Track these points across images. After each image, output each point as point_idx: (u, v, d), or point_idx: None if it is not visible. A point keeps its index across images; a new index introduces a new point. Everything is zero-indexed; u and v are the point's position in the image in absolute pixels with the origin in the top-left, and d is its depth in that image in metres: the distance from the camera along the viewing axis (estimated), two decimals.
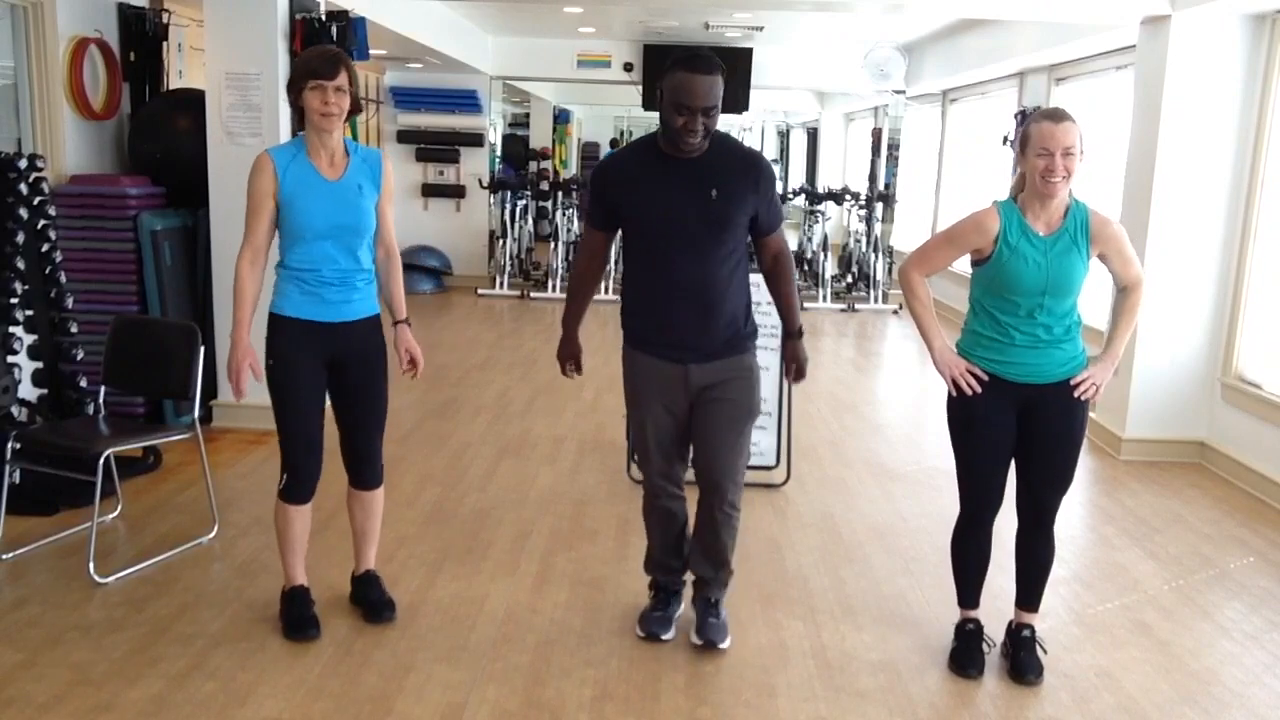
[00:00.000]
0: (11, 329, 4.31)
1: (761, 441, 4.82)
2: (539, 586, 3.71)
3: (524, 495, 4.68)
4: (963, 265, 3.11)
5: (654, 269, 3.05)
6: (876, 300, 10.92)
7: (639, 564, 3.54)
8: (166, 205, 5.44)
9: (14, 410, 4.25)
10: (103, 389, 4.06)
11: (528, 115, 17.18)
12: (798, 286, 3.36)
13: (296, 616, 3.26)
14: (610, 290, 9.84)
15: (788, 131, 22.48)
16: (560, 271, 11.05)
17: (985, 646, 3.25)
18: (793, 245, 4.17)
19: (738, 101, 11.28)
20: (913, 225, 11.98)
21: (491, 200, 11.59)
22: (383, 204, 3.22)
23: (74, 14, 5.24)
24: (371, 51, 6.65)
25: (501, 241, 11.22)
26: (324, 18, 5.37)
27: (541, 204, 12.85)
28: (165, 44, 5.84)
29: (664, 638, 3.31)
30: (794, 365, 3.28)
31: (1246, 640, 3.51)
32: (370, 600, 3.41)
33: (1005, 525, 3.22)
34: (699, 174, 2.98)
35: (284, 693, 2.93)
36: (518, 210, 11.76)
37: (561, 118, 18.70)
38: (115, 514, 4.22)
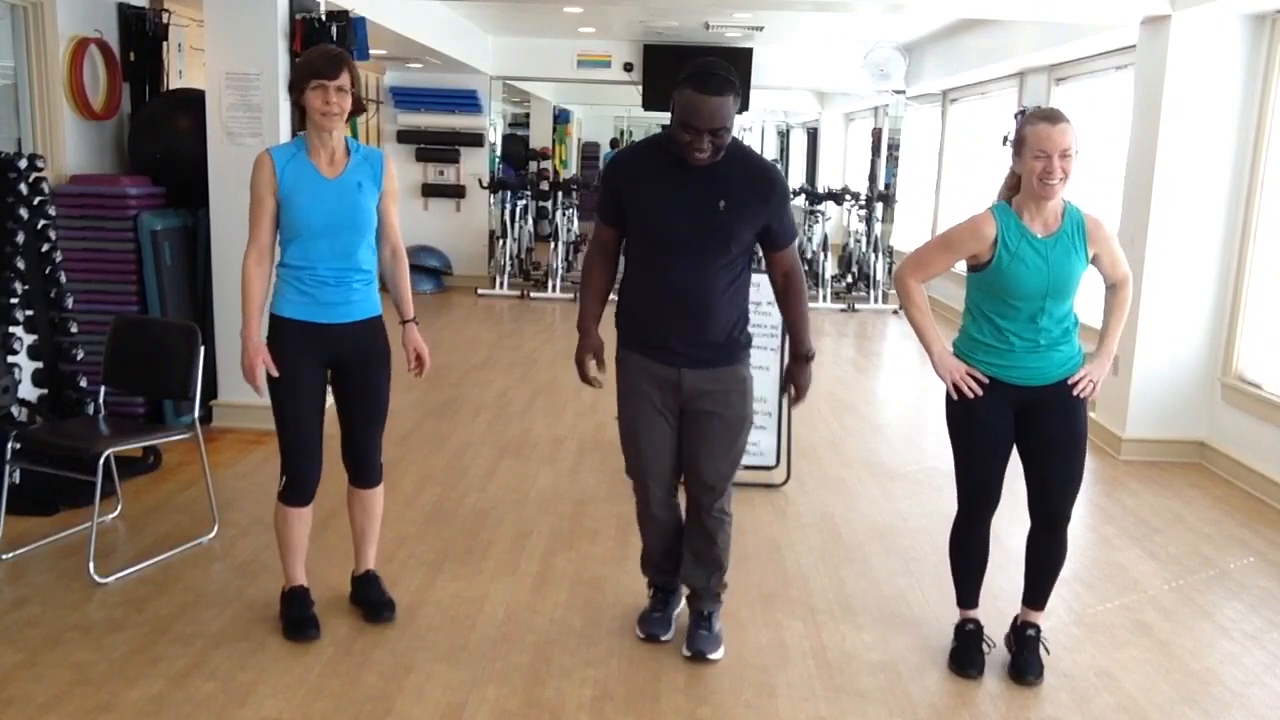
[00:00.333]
0: (11, 329, 4.31)
1: (761, 441, 4.82)
2: (539, 586, 3.71)
3: (524, 495, 4.68)
4: (961, 264, 3.11)
5: (653, 272, 3.01)
6: (876, 300, 10.93)
7: (638, 564, 3.54)
8: (166, 205, 5.44)
9: (14, 410, 4.25)
10: (103, 389, 4.06)
11: (528, 115, 17.18)
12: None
13: (296, 616, 3.27)
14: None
15: (788, 131, 22.45)
16: (560, 272, 11.05)
17: (985, 646, 3.25)
18: None
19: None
20: (913, 225, 11.98)
21: (491, 200, 11.59)
22: (386, 203, 3.22)
23: (74, 14, 5.23)
24: (371, 51, 6.65)
25: (501, 241, 11.22)
26: (324, 18, 5.36)
27: (541, 204, 12.84)
28: (165, 44, 5.84)
29: (663, 638, 3.31)
30: (795, 388, 3.18)
31: (1246, 640, 3.51)
32: (370, 600, 3.41)
33: (1005, 525, 3.22)
34: (710, 182, 2.92)
35: (284, 693, 2.94)
36: (518, 210, 11.76)
37: (561, 118, 18.69)
38: (115, 514, 4.22)
